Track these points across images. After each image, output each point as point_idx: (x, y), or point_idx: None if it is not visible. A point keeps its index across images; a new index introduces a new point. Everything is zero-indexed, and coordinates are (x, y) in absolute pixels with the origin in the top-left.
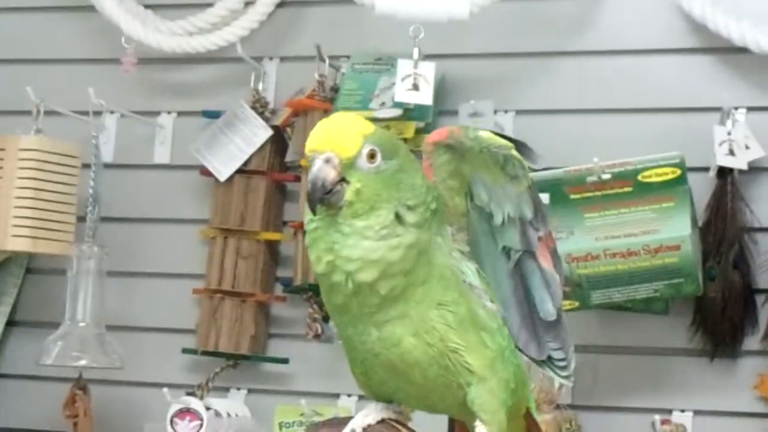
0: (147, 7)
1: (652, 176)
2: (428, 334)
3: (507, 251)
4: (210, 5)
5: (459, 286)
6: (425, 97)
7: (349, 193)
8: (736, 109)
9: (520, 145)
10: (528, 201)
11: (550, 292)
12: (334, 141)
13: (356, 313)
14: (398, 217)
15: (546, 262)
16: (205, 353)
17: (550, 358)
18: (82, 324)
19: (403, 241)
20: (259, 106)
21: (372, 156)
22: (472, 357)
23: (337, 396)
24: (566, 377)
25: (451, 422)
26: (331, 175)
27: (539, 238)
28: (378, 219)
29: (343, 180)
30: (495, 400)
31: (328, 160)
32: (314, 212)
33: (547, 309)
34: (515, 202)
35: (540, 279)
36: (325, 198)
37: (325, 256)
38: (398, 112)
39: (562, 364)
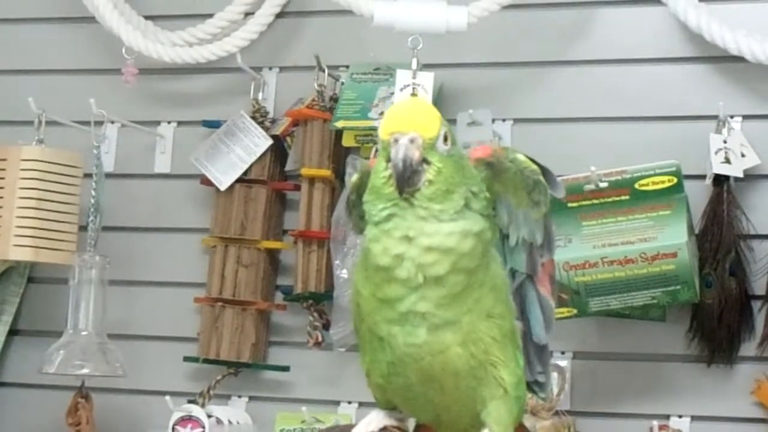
0: (147, 18)
1: (649, 184)
2: (474, 345)
3: (512, 273)
4: (210, 16)
5: (507, 299)
6: None
7: (431, 173)
8: (732, 117)
9: (546, 172)
10: (541, 227)
11: (545, 317)
12: (417, 122)
13: (409, 310)
14: (467, 203)
15: (544, 288)
16: (207, 361)
17: (535, 381)
18: (84, 333)
19: (473, 228)
20: (259, 115)
21: (446, 138)
22: (506, 372)
23: (337, 403)
24: (544, 398)
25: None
26: (416, 154)
27: (542, 264)
28: (452, 203)
29: (424, 161)
30: (510, 417)
31: (413, 140)
32: (401, 193)
33: (540, 333)
34: (531, 227)
35: (537, 303)
36: (410, 179)
37: (394, 248)
38: None
39: (542, 384)
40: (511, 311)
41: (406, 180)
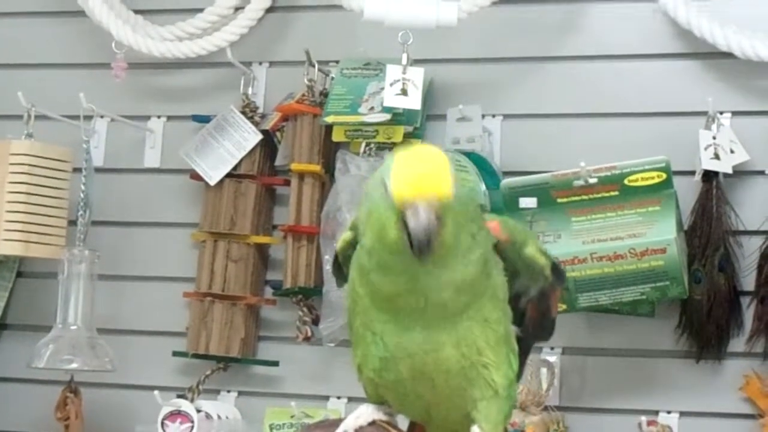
0: (137, 12)
1: (638, 180)
2: (468, 347)
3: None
4: (200, 10)
5: (504, 305)
6: (414, 101)
7: (446, 234)
8: (721, 113)
9: (555, 266)
10: (538, 287)
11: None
12: (433, 186)
13: (409, 317)
14: (472, 236)
15: (530, 314)
16: (196, 356)
17: None
18: (73, 327)
19: (475, 256)
20: (249, 110)
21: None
22: (498, 374)
23: (326, 398)
24: None
25: (412, 425)
26: (435, 223)
27: (529, 302)
28: (461, 249)
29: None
30: (500, 416)
31: (430, 207)
32: (423, 263)
33: None
34: (527, 284)
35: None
36: (428, 245)
37: (401, 285)
38: (387, 116)
39: None
40: (507, 316)
41: (426, 247)
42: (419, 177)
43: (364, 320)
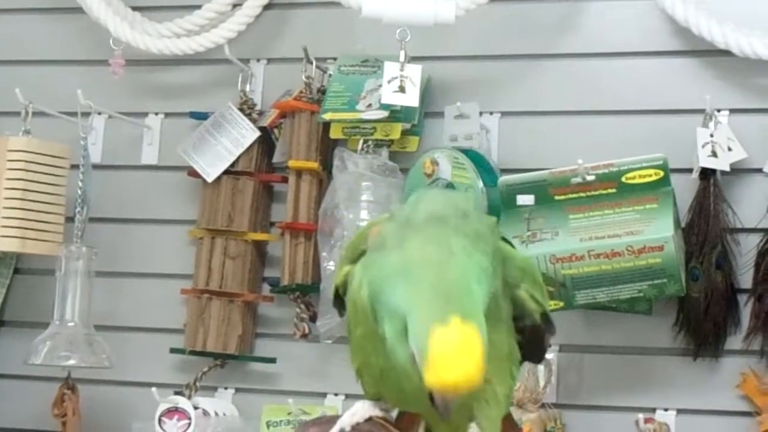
0: (135, 9)
1: (636, 177)
2: None
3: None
4: (197, 7)
5: (508, 323)
6: (412, 98)
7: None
8: (719, 111)
9: (545, 313)
10: (530, 321)
11: None
12: (467, 384)
13: None
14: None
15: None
16: (193, 353)
17: None
18: (70, 324)
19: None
20: (247, 107)
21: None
22: (499, 386)
23: (323, 395)
24: None
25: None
26: (459, 404)
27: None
28: None
29: None
30: (499, 414)
31: (459, 398)
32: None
33: None
34: (520, 314)
35: None
36: None
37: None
38: (384, 113)
39: None
40: (510, 332)
41: (448, 415)
42: (454, 371)
43: (364, 332)
